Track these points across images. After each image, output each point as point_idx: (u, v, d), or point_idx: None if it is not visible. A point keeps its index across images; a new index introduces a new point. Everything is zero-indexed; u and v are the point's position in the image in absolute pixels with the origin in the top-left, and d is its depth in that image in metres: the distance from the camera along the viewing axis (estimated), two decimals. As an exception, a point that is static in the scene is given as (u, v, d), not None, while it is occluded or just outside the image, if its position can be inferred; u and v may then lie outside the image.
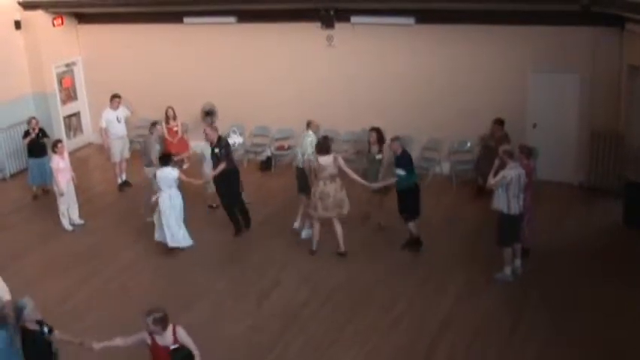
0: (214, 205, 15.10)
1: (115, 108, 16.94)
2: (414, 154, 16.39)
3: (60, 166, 14.41)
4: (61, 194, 14.45)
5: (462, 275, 12.23)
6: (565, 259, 12.71)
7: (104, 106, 17.03)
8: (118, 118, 16.91)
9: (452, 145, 16.58)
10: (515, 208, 11.64)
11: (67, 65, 19.72)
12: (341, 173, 12.79)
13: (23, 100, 18.53)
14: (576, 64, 15.28)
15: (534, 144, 15.69)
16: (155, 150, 14.68)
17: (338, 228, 12.98)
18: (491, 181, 11.77)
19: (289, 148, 17.49)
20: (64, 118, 19.74)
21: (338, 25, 16.97)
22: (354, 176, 12.95)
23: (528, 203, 12.14)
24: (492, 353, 10.10)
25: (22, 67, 18.61)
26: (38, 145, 16.26)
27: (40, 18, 18.45)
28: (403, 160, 12.89)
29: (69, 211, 14.80)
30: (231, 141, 17.85)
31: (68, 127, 19.93)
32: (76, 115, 20.25)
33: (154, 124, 15.28)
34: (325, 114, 16.18)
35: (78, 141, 20.16)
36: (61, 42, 19.27)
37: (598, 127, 15.23)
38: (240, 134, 18.17)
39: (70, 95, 19.99)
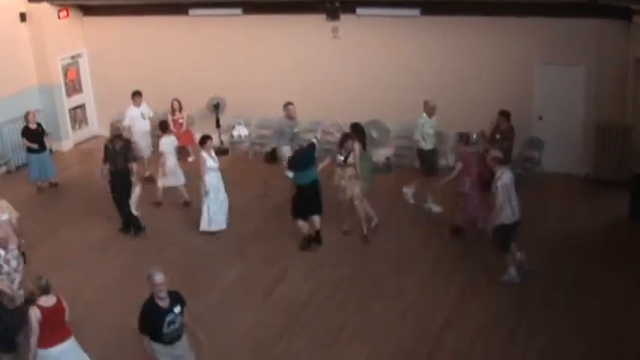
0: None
1: (138, 105, 16.88)
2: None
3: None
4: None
5: (466, 272, 12.19)
6: (570, 252, 12.70)
7: (111, 100, 17.00)
8: (142, 115, 16.88)
9: (457, 138, 16.54)
10: (515, 214, 11.43)
11: (73, 57, 19.70)
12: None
13: (29, 93, 18.53)
14: (582, 56, 15.24)
15: (540, 136, 15.79)
16: None
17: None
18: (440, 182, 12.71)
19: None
20: (70, 110, 19.72)
21: (343, 17, 16.94)
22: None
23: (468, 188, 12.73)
24: (496, 351, 10.08)
25: (28, 60, 18.60)
26: (37, 139, 16.20)
27: (45, 10, 18.44)
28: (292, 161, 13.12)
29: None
30: (236, 133, 17.99)
31: (73, 120, 19.92)
32: (82, 107, 20.22)
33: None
34: (330, 105, 16.18)
35: (83, 133, 20.15)
36: (66, 34, 19.25)
37: (604, 120, 15.18)
38: (246, 126, 18.17)
39: (75, 87, 19.97)
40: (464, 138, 13.72)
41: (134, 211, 13.87)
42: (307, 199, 12.84)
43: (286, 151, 15.03)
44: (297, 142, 14.98)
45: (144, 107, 17.00)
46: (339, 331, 10.71)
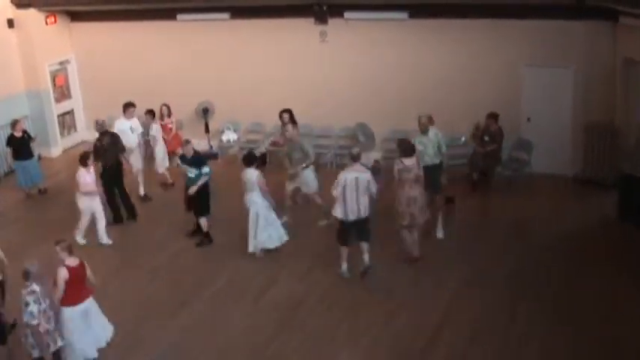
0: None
1: (129, 117, 15.90)
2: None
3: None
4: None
5: (459, 272, 12.23)
6: (560, 253, 12.75)
7: (99, 105, 16.87)
8: (131, 129, 15.84)
9: (446, 140, 16.55)
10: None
11: (61, 63, 19.67)
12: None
13: (17, 99, 18.47)
14: (570, 57, 15.31)
15: (529, 138, 15.83)
16: None
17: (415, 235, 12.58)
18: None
19: (283, 144, 17.47)
20: (58, 116, 19.67)
21: (331, 21, 16.97)
22: None
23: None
24: (490, 351, 10.10)
25: (16, 66, 18.55)
26: (24, 146, 16.11)
27: (32, 16, 18.37)
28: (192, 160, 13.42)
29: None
30: (225, 138, 17.98)
31: (62, 125, 19.86)
32: (70, 113, 20.19)
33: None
34: (319, 109, 16.23)
35: (72, 139, 20.09)
36: (54, 40, 19.21)
37: (592, 120, 15.25)
38: (235, 131, 18.16)
39: (63, 93, 19.93)
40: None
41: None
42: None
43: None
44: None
45: (134, 121, 16.14)
46: (332, 333, 10.71)
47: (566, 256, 12.61)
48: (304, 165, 13.79)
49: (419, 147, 13.16)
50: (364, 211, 11.92)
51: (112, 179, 14.51)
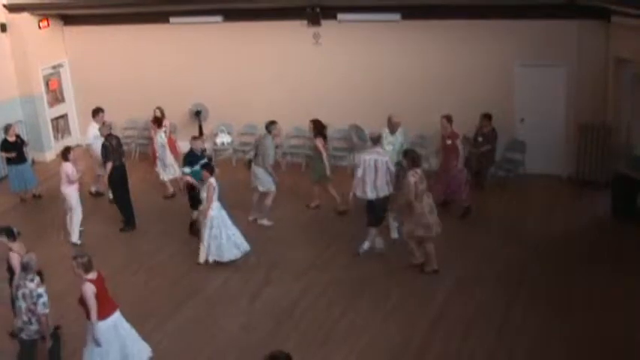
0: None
1: (99, 122, 15.69)
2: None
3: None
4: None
5: (453, 270, 12.26)
6: (554, 252, 12.79)
7: (91, 110, 16.72)
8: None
9: (440, 141, 16.59)
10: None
11: (54, 67, 19.66)
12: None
13: (10, 103, 18.44)
14: (563, 57, 15.37)
15: (522, 138, 15.87)
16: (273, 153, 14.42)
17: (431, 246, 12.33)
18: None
19: (277, 146, 17.49)
20: (52, 120, 19.66)
21: (324, 23, 17.00)
22: None
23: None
24: (484, 348, 10.12)
25: (9, 70, 18.51)
26: (17, 151, 16.07)
27: (25, 20, 18.36)
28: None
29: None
30: (219, 140, 17.96)
31: (56, 129, 19.86)
32: (64, 117, 20.18)
33: (272, 122, 14.42)
34: (313, 111, 16.17)
35: (66, 143, 19.96)
36: (48, 44, 19.21)
37: (585, 120, 15.29)
38: (229, 133, 18.17)
39: (57, 97, 19.92)
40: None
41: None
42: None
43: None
44: None
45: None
46: (328, 333, 10.73)
47: (560, 256, 12.64)
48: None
49: (389, 147, 13.57)
50: (382, 191, 12.41)
51: (120, 180, 14.63)
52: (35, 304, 9.11)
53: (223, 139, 18.07)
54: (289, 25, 17.25)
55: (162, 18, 18.04)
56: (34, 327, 9.27)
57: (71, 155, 13.88)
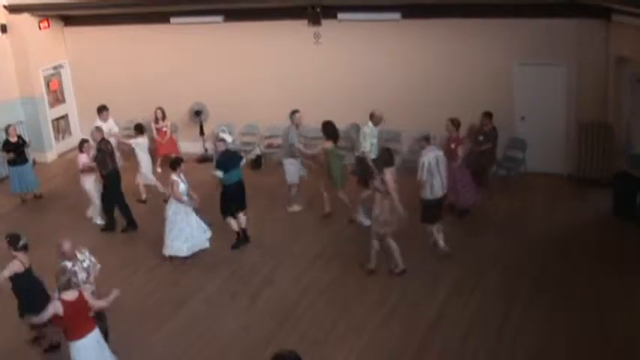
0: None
1: (104, 120, 16.42)
2: (404, 149, 16.50)
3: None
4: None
5: (453, 270, 12.25)
6: (556, 251, 12.77)
7: (92, 111, 16.77)
8: (110, 130, 16.17)
9: (441, 140, 16.57)
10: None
11: (55, 68, 19.67)
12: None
13: (11, 104, 18.48)
14: (563, 55, 15.33)
15: (523, 136, 15.85)
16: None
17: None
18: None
19: (278, 146, 17.49)
20: (53, 120, 19.68)
21: (325, 22, 16.99)
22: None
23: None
24: (484, 348, 10.11)
25: (9, 71, 18.55)
26: (18, 152, 16.09)
27: (26, 21, 18.39)
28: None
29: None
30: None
31: (57, 130, 19.87)
32: (65, 117, 20.19)
33: (293, 112, 14.77)
34: (313, 111, 16.17)
35: (67, 143, 20.06)
36: (48, 45, 19.23)
37: (586, 118, 15.27)
38: (230, 133, 18.13)
39: (57, 98, 19.92)
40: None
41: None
42: (232, 198, 13.43)
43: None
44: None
45: (110, 123, 16.56)
46: (328, 333, 10.71)
47: (561, 254, 12.62)
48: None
49: (373, 140, 14.29)
50: (445, 187, 12.69)
51: (115, 184, 14.52)
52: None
53: (225, 138, 18.02)
54: (290, 24, 17.24)
55: (162, 18, 18.03)
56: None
57: (85, 147, 14.31)
